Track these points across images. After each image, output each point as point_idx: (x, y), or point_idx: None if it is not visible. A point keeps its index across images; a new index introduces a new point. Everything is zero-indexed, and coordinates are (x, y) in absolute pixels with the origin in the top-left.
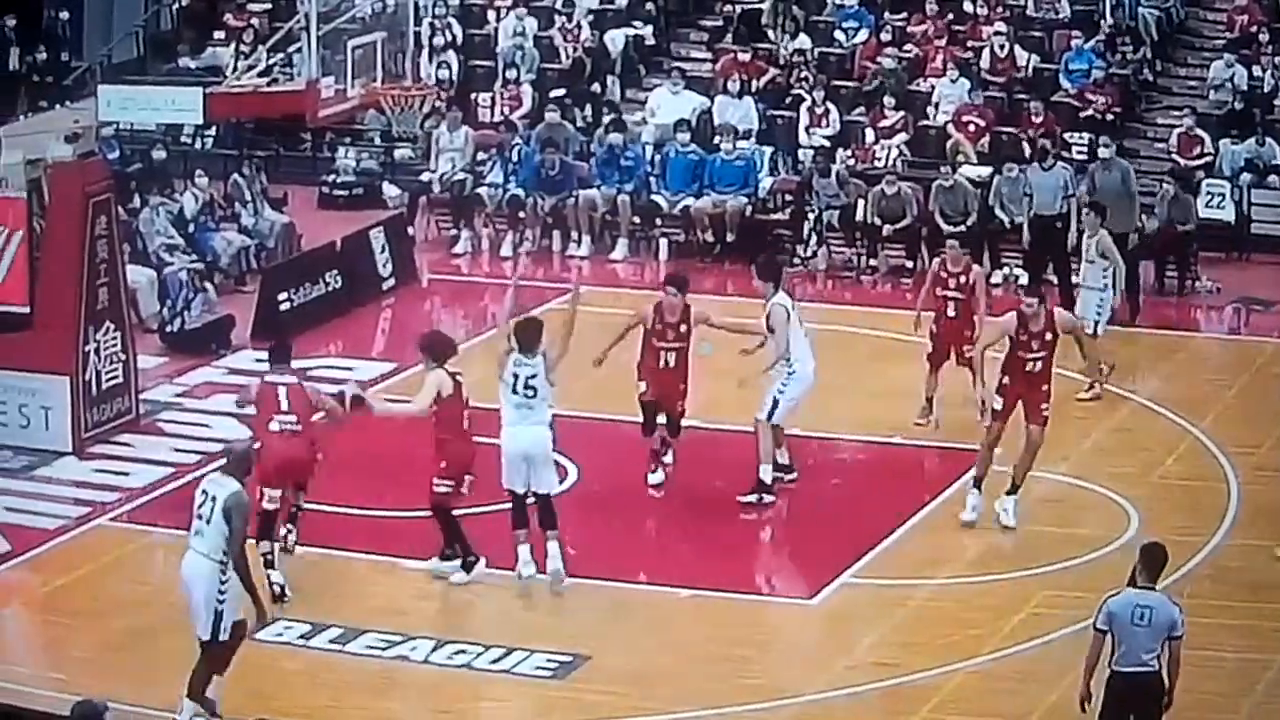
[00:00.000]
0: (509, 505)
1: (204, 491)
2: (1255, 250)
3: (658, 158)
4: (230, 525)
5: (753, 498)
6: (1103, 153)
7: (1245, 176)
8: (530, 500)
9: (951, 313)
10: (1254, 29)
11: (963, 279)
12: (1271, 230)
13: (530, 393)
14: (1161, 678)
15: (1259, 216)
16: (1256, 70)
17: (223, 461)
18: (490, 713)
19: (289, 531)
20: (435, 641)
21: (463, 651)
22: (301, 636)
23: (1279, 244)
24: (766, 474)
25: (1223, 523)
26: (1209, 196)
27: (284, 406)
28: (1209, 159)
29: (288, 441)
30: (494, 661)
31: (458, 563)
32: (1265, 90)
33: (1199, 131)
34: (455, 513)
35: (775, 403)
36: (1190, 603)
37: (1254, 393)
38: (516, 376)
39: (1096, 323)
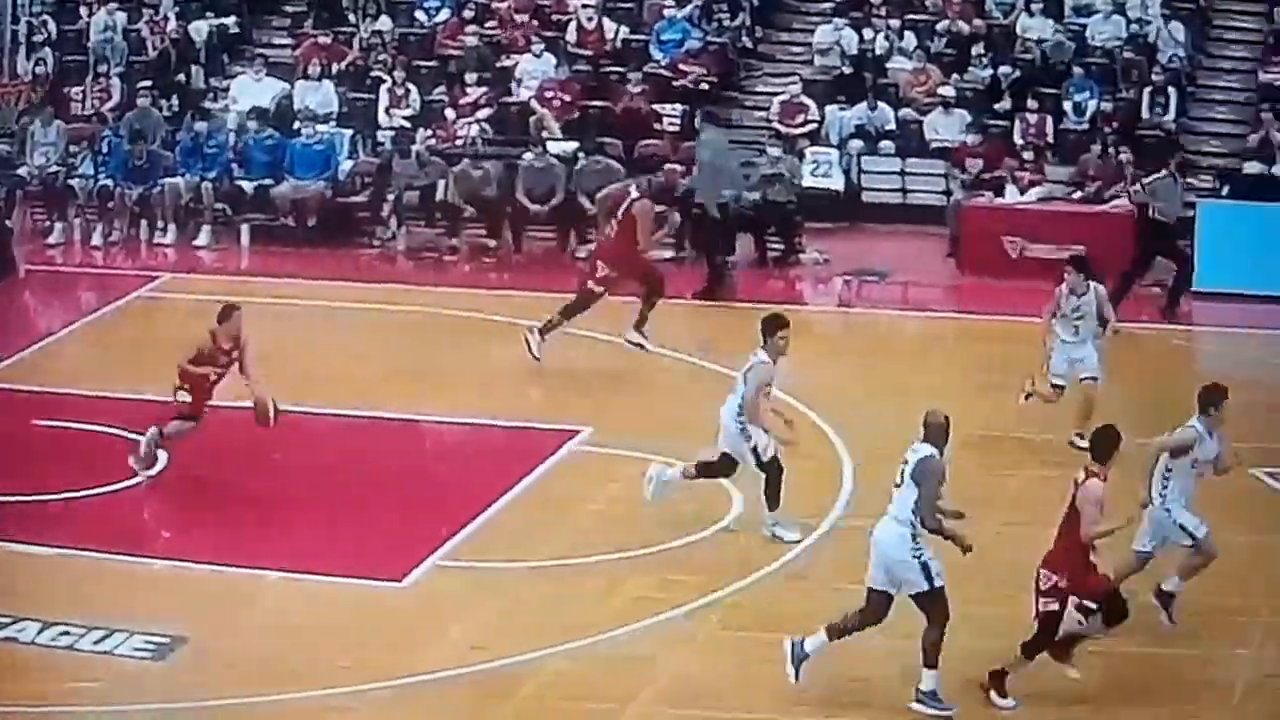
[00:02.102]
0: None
1: (905, 459)
2: (867, 219)
3: (240, 144)
4: (920, 488)
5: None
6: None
7: (855, 143)
8: None
9: None
10: None
11: None
12: (884, 198)
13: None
14: None
15: (870, 184)
16: (868, 33)
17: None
18: (91, 692)
19: None
20: (41, 623)
21: (67, 633)
22: None
23: (892, 212)
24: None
25: (838, 501)
26: (815, 164)
27: None
28: (814, 126)
29: None
30: (96, 642)
31: None
32: (877, 53)
33: (803, 98)
34: None
35: None
36: (807, 585)
37: (868, 367)
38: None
39: None
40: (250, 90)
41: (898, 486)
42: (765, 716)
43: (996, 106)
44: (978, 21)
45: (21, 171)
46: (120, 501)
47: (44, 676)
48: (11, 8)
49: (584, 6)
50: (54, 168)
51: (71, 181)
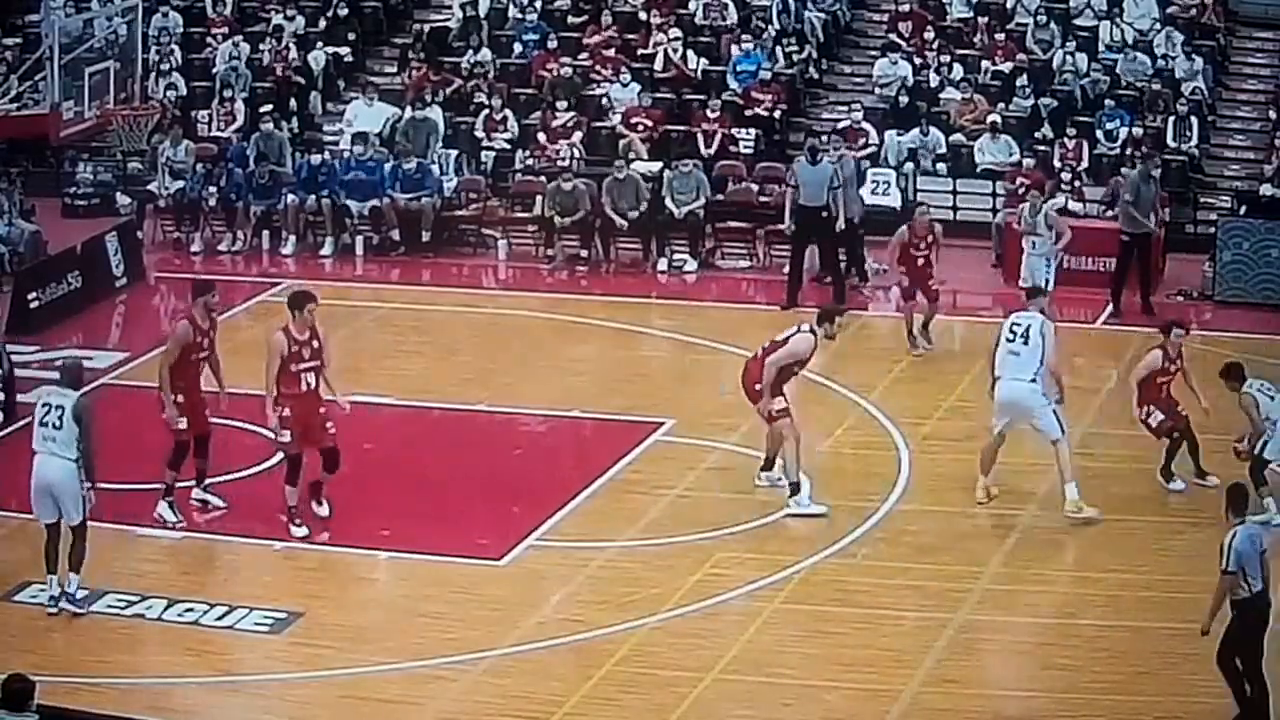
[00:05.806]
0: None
1: (46, 404)
2: None
3: (351, 164)
4: (81, 426)
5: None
6: (1143, 166)
7: (909, 165)
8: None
9: None
10: (918, 28)
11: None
12: (937, 214)
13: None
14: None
15: (924, 202)
16: (922, 67)
17: (59, 376)
18: (214, 663)
19: None
20: (167, 601)
21: (190, 610)
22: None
23: (944, 227)
24: (1072, 490)
25: (895, 488)
26: (874, 184)
27: None
28: (873, 149)
29: None
30: (219, 619)
31: None
32: (930, 85)
33: (864, 125)
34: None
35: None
36: (867, 564)
37: (922, 367)
38: None
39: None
40: (364, 114)
41: (55, 428)
42: (822, 682)
43: (1037, 134)
44: (1020, 57)
45: (152, 187)
46: (243, 488)
47: (168, 649)
48: (143, 38)
49: (671, 41)
50: (182, 184)
51: (199, 196)
